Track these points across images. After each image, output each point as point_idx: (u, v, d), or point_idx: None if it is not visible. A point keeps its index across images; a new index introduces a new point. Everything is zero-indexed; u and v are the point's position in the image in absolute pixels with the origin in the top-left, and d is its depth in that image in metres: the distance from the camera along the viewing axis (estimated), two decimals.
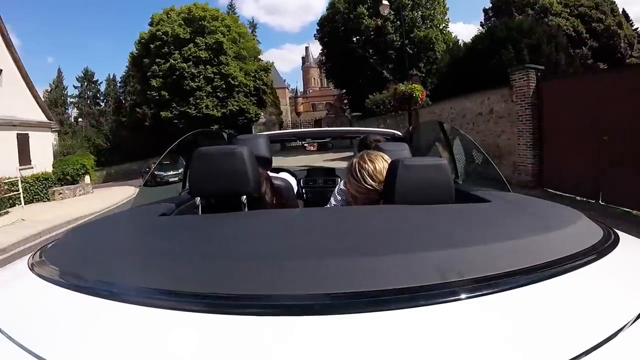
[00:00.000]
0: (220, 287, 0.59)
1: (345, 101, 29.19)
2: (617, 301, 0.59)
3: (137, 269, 0.69)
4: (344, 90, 29.38)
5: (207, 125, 25.27)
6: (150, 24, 26.16)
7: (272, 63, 30.10)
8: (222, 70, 25.55)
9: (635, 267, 0.74)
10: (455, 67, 13.35)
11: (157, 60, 25.03)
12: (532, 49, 12.52)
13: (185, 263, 0.66)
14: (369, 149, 1.70)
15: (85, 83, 39.82)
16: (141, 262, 0.70)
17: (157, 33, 25.15)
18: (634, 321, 0.53)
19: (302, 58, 69.40)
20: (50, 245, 0.95)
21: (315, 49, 64.30)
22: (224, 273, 0.62)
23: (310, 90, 63.63)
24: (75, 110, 39.64)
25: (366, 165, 1.27)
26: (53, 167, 15.00)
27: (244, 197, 1.09)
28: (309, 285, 0.58)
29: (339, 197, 1.66)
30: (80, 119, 37.66)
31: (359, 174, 1.27)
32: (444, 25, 27.14)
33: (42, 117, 15.24)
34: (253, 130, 26.78)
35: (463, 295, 0.56)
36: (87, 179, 16.05)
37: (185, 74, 24.76)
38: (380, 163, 1.27)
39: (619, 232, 0.87)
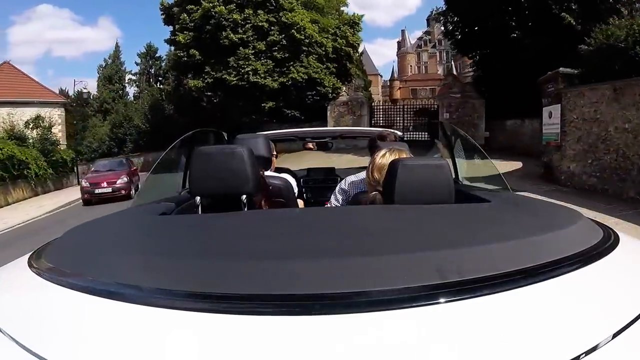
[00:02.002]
0: (220, 287, 0.59)
1: (472, 73, 17.90)
2: (617, 301, 0.60)
3: (137, 268, 0.68)
4: (470, 61, 18.14)
5: (255, 101, 16.57)
6: None
7: (362, 16, 20.22)
8: (283, 19, 16.55)
9: (635, 267, 0.76)
10: None
11: (188, 7, 17.00)
12: None
13: (186, 262, 0.67)
14: (376, 149, 1.70)
15: (148, 59, 34.94)
16: (141, 262, 0.70)
17: None
18: (633, 321, 0.53)
19: (398, 42, 60.07)
20: (50, 244, 0.94)
21: (413, 35, 54.12)
22: (224, 272, 0.63)
23: (409, 75, 53.46)
24: (134, 87, 35.82)
25: (377, 159, 1.36)
26: None
27: (244, 196, 1.15)
28: (309, 285, 0.58)
29: (339, 197, 1.75)
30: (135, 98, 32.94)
31: (369, 166, 1.38)
32: None
33: None
34: (328, 112, 17.43)
35: (463, 296, 0.56)
36: None
37: (224, 22, 16.31)
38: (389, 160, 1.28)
39: (619, 232, 0.86)
